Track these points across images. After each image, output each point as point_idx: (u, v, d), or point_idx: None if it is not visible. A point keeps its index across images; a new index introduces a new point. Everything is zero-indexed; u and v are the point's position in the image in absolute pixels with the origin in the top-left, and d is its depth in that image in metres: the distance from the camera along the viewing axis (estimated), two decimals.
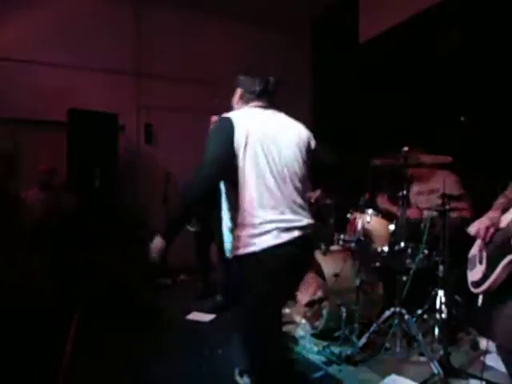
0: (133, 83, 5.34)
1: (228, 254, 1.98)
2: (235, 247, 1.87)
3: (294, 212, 1.86)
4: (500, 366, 2.44)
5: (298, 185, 1.93)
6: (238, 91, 2.09)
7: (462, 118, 2.80)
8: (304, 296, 3.50)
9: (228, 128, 1.84)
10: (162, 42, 5.40)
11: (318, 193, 4.45)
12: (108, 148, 4.69)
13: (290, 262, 1.83)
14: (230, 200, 1.95)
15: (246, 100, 2.07)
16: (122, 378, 2.58)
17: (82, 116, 4.54)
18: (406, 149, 2.87)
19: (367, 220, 3.08)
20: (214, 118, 3.25)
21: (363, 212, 3.14)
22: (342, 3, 5.44)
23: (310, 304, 3.32)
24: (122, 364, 2.73)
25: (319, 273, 3.17)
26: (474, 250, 1.99)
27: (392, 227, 3.08)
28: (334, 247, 3.44)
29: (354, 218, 3.18)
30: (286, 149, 1.93)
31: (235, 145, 1.82)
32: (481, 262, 1.88)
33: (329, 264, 3.15)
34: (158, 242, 1.88)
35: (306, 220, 1.89)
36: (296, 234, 1.82)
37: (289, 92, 5.88)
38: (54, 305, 3.65)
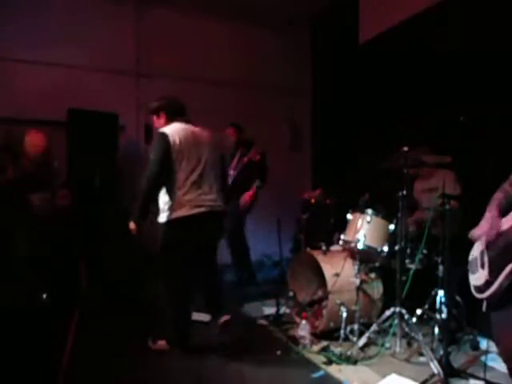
0: (133, 83, 5.33)
1: (160, 219, 2.87)
2: (167, 214, 2.82)
3: (207, 196, 2.83)
4: (500, 366, 2.45)
5: (213, 178, 2.91)
6: (162, 115, 2.94)
7: (462, 118, 2.79)
8: (304, 296, 3.50)
9: (165, 140, 2.74)
10: (161, 41, 5.39)
11: (317, 192, 4.46)
12: (108, 148, 4.68)
13: (197, 226, 2.79)
14: (167, 187, 2.84)
15: (171, 119, 2.91)
16: (122, 378, 2.58)
17: (82, 116, 4.53)
18: (405, 149, 2.88)
19: (367, 220, 3.08)
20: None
21: (363, 212, 3.14)
22: (342, 3, 5.44)
23: (310, 304, 3.32)
24: (122, 364, 2.73)
25: (319, 273, 3.16)
26: (475, 252, 1.96)
27: (392, 227, 3.08)
28: (334, 247, 3.44)
29: (354, 218, 3.18)
30: (204, 152, 2.86)
31: (171, 151, 2.73)
32: (483, 267, 1.85)
33: (329, 264, 3.15)
34: (131, 225, 2.79)
35: (216, 203, 2.88)
36: (203, 209, 2.78)
37: (288, 92, 5.93)
38: (54, 305, 3.66)
